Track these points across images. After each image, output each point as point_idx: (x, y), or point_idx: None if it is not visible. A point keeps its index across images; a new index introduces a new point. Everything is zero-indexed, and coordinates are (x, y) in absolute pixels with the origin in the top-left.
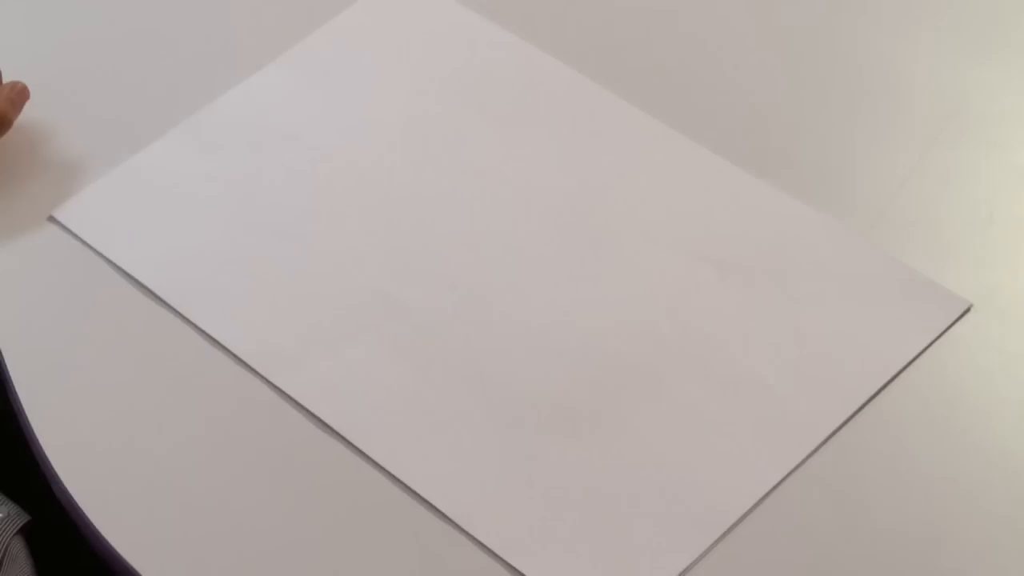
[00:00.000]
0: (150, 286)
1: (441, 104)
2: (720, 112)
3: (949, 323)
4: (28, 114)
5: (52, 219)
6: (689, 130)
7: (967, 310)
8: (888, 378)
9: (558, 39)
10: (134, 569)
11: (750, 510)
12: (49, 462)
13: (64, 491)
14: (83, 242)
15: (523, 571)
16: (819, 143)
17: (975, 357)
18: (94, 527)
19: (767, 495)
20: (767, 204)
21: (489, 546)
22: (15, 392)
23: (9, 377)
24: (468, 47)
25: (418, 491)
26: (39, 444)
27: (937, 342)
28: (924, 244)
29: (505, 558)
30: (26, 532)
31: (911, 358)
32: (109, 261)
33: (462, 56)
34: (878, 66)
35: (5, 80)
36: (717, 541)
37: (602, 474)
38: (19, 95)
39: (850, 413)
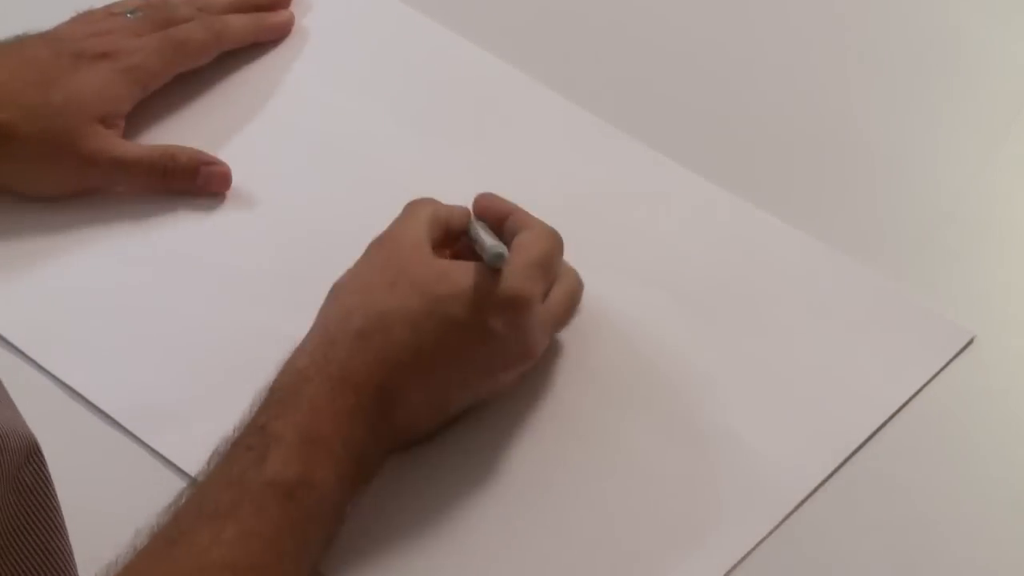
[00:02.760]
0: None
1: (357, 107)
2: (685, 114)
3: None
4: None
5: None
6: (644, 134)
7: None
8: (884, 419)
9: (511, 42)
10: None
11: None
12: None
13: None
14: None
15: None
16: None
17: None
18: None
19: (737, 565)
20: (741, 223)
21: None
22: None
23: None
24: (395, 41)
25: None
26: None
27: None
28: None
29: None
30: None
31: (910, 395)
32: None
33: (386, 52)
34: (945, 49)
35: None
36: None
37: (544, 545)
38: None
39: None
